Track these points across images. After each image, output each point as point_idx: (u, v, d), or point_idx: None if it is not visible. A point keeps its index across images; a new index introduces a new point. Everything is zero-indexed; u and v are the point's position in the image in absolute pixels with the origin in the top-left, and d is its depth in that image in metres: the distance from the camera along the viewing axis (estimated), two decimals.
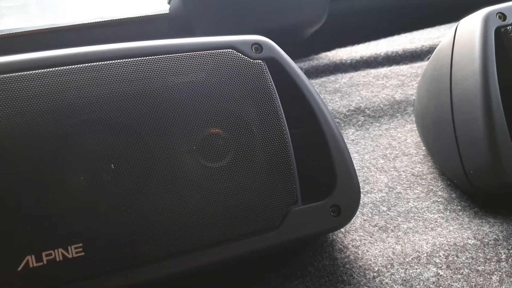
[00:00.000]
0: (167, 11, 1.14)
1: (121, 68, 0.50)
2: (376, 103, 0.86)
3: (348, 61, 0.97)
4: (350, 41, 1.16)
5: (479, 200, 0.63)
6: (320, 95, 0.89)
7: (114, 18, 1.18)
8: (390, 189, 0.67)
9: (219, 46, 0.54)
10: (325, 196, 0.53)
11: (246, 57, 0.53)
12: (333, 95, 0.88)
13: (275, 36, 1.12)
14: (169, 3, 1.09)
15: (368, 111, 0.85)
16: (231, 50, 0.53)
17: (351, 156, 0.75)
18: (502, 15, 0.63)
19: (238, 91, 0.53)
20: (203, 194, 0.50)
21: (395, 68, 0.96)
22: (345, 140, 0.79)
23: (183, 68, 0.52)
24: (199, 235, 0.50)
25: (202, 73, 0.53)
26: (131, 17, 1.19)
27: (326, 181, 0.54)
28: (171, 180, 0.49)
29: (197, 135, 0.52)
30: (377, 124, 0.82)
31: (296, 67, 0.56)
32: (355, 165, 0.73)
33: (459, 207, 0.63)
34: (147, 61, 0.52)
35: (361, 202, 0.65)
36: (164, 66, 0.52)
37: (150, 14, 1.17)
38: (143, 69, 0.51)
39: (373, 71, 0.95)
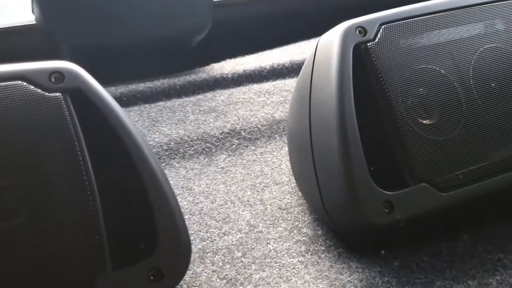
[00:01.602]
0: (35, 22, 1.02)
1: None
2: (254, 124, 0.78)
3: (230, 76, 0.89)
4: (242, 51, 1.07)
5: (346, 238, 0.56)
6: (193, 115, 0.80)
7: None
8: (251, 228, 0.59)
9: (6, 77, 0.43)
10: (145, 257, 0.44)
11: (39, 90, 0.43)
12: (207, 115, 0.80)
13: (156, 47, 1.03)
14: (33, 12, 0.97)
15: (244, 133, 0.76)
16: (20, 82, 0.43)
17: (217, 187, 0.67)
18: (362, 30, 0.56)
19: (31, 134, 0.43)
20: None
21: (280, 83, 0.88)
22: (214, 169, 0.71)
23: None
24: None
25: None
26: None
27: (147, 238, 0.45)
28: None
29: None
30: (252, 148, 0.74)
31: (107, 98, 0.46)
32: (219, 199, 0.65)
33: (322, 247, 0.56)
34: None
35: (214, 247, 0.57)
36: None
37: (17, 25, 1.05)
38: None
39: (255, 87, 0.87)
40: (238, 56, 1.05)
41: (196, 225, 0.60)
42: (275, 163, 0.71)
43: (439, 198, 0.53)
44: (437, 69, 0.57)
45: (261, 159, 0.72)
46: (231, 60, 1.03)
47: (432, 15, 0.59)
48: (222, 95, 0.84)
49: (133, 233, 0.45)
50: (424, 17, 0.59)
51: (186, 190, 0.66)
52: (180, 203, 0.64)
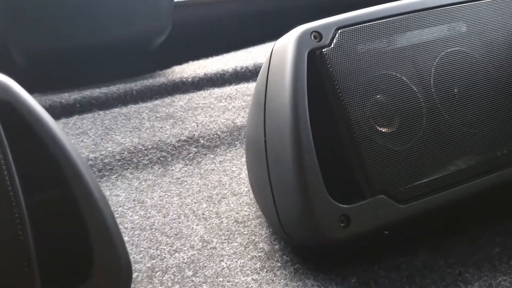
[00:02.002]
0: None
1: None
2: (213, 130, 0.75)
3: (190, 80, 0.86)
4: (206, 53, 1.04)
5: (303, 252, 0.54)
6: (149, 121, 0.77)
7: None
8: (205, 244, 0.56)
9: None
10: (81, 281, 0.41)
11: None
12: (164, 122, 0.76)
13: (115, 50, 0.99)
14: None
15: (202, 141, 0.73)
16: None
17: (171, 200, 0.64)
18: (317, 35, 0.53)
19: None
20: None
21: (243, 87, 0.85)
22: (169, 179, 0.67)
23: None
24: None
25: None
26: None
27: (83, 261, 0.41)
28: None
29: None
30: (211, 156, 0.71)
31: (40, 113, 0.42)
32: (172, 212, 0.61)
33: (279, 264, 0.53)
34: None
35: (164, 266, 0.53)
36: None
37: None
38: None
39: (217, 91, 0.84)
40: (202, 58, 1.02)
41: (146, 242, 0.57)
42: (235, 172, 0.68)
43: (397, 210, 0.51)
44: (397, 75, 0.55)
45: (219, 168, 0.69)
46: (193, 63, 1.00)
47: (392, 18, 0.56)
48: (181, 100, 0.81)
49: (68, 256, 0.41)
50: (383, 20, 0.56)
51: (138, 203, 0.63)
52: (130, 218, 0.61)
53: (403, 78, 0.55)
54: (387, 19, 0.56)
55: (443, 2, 0.58)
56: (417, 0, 0.58)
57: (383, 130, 0.54)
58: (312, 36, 0.53)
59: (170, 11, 0.96)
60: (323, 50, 0.52)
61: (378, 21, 0.56)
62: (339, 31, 0.54)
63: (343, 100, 0.51)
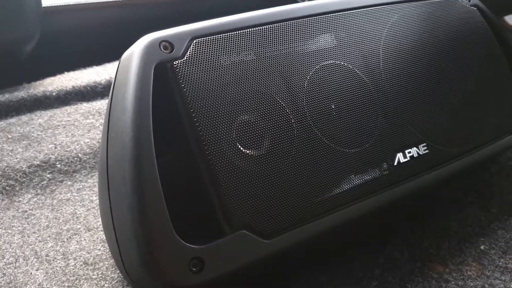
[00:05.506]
0: None
1: None
2: (74, 152, 0.65)
3: (54, 94, 0.75)
4: (85, 62, 0.94)
5: None
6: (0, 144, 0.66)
7: None
8: None
9: None
10: None
11: None
12: (16, 144, 0.66)
13: None
14: None
15: (59, 165, 0.63)
16: None
17: (10, 239, 0.53)
18: (168, 45, 0.46)
19: None
20: None
21: None
22: (14, 213, 0.57)
23: None
24: None
25: None
26: None
27: None
28: None
29: None
30: (68, 183, 0.62)
31: None
32: (9, 255, 0.51)
33: None
34: None
35: None
36: None
37: None
38: None
39: (85, 106, 0.74)
40: (79, 68, 0.91)
41: None
42: (93, 202, 0.59)
43: (262, 247, 0.44)
44: (266, 91, 0.49)
45: (76, 197, 0.60)
46: (69, 74, 0.89)
47: (259, 28, 0.50)
48: (40, 118, 0.71)
49: None
50: (250, 29, 0.50)
51: None
52: None
53: (272, 94, 0.49)
54: (254, 29, 0.50)
55: (312, 12, 0.53)
56: (287, 9, 0.53)
57: (250, 153, 0.47)
58: (161, 46, 0.45)
59: (38, 15, 0.85)
60: (174, 62, 0.45)
61: (244, 31, 0.49)
62: (195, 41, 0.46)
63: (197, 121, 0.44)
